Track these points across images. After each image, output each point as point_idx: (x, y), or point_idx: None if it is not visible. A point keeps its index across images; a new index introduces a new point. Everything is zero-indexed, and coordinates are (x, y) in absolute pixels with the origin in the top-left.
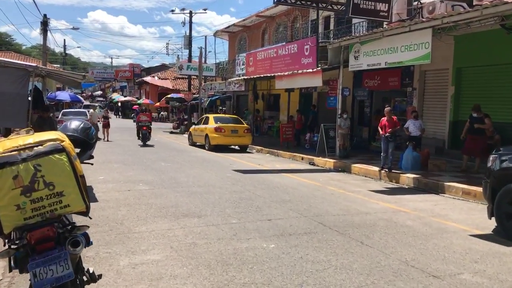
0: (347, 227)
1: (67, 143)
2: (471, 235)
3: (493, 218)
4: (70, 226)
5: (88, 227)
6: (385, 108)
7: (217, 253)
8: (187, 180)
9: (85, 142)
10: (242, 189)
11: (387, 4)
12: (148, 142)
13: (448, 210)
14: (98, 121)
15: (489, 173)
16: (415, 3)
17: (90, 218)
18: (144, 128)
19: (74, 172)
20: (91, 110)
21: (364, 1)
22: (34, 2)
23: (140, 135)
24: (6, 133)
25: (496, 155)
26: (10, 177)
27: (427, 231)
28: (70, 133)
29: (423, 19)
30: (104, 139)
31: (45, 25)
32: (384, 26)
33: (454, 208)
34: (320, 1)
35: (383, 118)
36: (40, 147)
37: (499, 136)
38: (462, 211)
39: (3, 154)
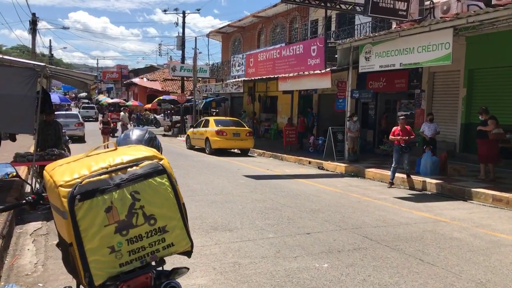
0: (395, 240)
1: (166, 161)
2: None
3: None
4: (168, 270)
5: (188, 269)
6: (399, 117)
7: (268, 275)
8: (201, 188)
9: None
10: (263, 197)
11: (406, 3)
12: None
13: (488, 219)
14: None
15: None
16: (427, 2)
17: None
18: (114, 124)
19: (177, 200)
20: (122, 113)
21: (383, 0)
22: (17, 2)
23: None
24: (11, 138)
25: None
26: (102, 210)
27: (482, 245)
28: (134, 145)
29: (446, 18)
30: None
31: (34, 25)
32: (394, 26)
33: (492, 217)
34: (328, 0)
35: (395, 128)
36: (135, 167)
37: None
38: (503, 220)
39: (91, 179)
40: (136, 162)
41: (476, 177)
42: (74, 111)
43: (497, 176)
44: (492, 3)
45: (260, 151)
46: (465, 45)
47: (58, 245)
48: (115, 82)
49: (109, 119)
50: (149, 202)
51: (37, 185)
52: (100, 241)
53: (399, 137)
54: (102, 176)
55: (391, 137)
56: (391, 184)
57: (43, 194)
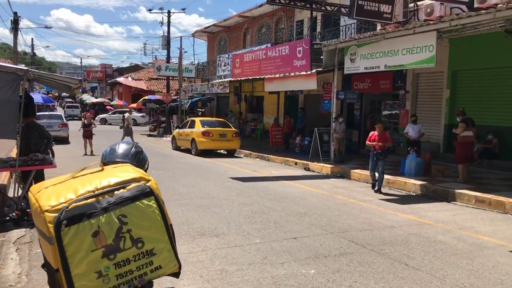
0: (380, 245)
1: (153, 182)
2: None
3: None
4: None
5: None
6: (377, 123)
7: (255, 283)
8: (187, 191)
9: None
10: (250, 200)
11: (390, 6)
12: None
13: (471, 221)
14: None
15: None
16: (411, 5)
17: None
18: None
19: (165, 221)
20: (127, 114)
21: (368, 2)
22: None
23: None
24: None
25: None
26: (89, 235)
27: (466, 248)
28: (120, 160)
29: (430, 21)
30: (86, 153)
31: (16, 24)
32: (379, 28)
33: (475, 219)
34: (313, 2)
35: (372, 132)
36: (122, 190)
37: (497, 140)
38: (485, 222)
39: (78, 203)
40: (123, 184)
41: (455, 179)
42: (59, 111)
43: (479, 176)
44: (474, 6)
45: (246, 151)
46: (448, 46)
47: (43, 266)
48: (100, 81)
49: (92, 121)
50: (136, 225)
51: (20, 192)
52: (87, 266)
53: (374, 143)
54: (89, 200)
55: (367, 142)
56: (374, 187)
57: (27, 210)
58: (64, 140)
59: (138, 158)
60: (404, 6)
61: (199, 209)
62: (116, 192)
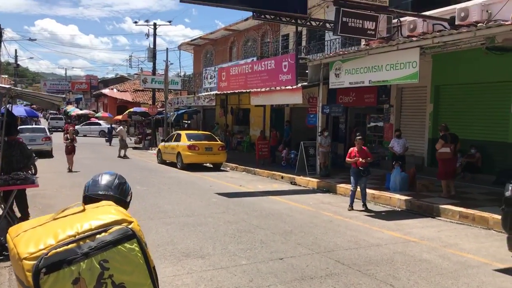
0: (366, 264)
1: (136, 224)
2: (495, 270)
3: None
4: None
5: None
6: (356, 137)
7: None
8: (172, 208)
9: (120, 201)
10: (236, 218)
11: (374, 23)
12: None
13: (455, 238)
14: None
15: (510, 203)
16: (395, 21)
17: None
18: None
19: (148, 264)
20: (120, 127)
21: (352, 20)
22: None
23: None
24: None
25: None
26: (69, 282)
27: (450, 267)
28: (103, 192)
29: (413, 38)
30: (71, 169)
31: None
32: (362, 44)
33: (459, 235)
34: (299, 17)
35: (352, 149)
36: (104, 234)
37: (480, 154)
38: (469, 239)
39: (58, 249)
40: (105, 227)
41: (440, 194)
42: (43, 123)
43: (463, 191)
44: (456, 23)
45: (232, 165)
46: (431, 62)
47: None
48: (84, 93)
49: (74, 136)
50: (118, 270)
51: (0, 211)
52: None
53: (355, 158)
54: (70, 246)
55: (347, 159)
56: (351, 208)
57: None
58: (48, 154)
59: (121, 189)
60: (388, 22)
61: (185, 228)
62: (97, 236)
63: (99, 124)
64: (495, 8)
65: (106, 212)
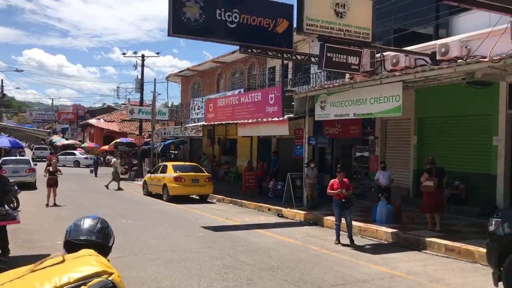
0: None
1: (116, 275)
2: None
3: (499, 284)
4: None
5: None
6: (339, 172)
7: None
8: (157, 243)
9: (102, 247)
10: (222, 253)
11: (358, 58)
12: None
13: (442, 272)
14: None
15: (494, 237)
16: (378, 55)
17: None
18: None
19: None
20: (114, 159)
21: (336, 55)
22: None
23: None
24: None
25: (500, 219)
26: None
27: None
28: (85, 237)
29: (396, 73)
30: (48, 203)
31: None
32: (347, 77)
33: (445, 269)
34: (285, 51)
35: (333, 180)
36: (83, 287)
37: (464, 186)
38: (455, 273)
39: None
40: (84, 280)
41: (426, 226)
42: (27, 153)
43: (448, 223)
44: (437, 58)
45: (219, 196)
46: (414, 95)
47: None
48: (71, 123)
49: (58, 167)
50: None
51: None
52: None
53: (338, 190)
54: None
55: (329, 191)
56: (338, 241)
57: None
58: (31, 186)
59: (103, 234)
60: (371, 57)
61: (169, 264)
62: None
63: (74, 154)
64: (473, 44)
65: (86, 264)
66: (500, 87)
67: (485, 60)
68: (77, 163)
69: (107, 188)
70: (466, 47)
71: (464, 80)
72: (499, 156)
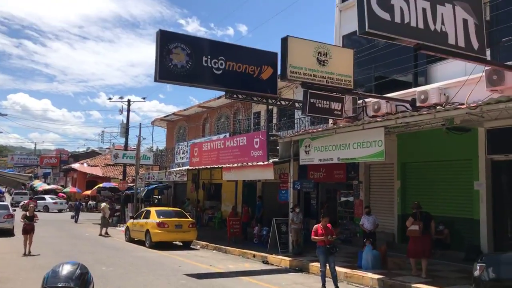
0: None
1: None
2: None
3: None
4: None
5: None
6: (323, 217)
7: None
8: None
9: None
10: None
11: (340, 104)
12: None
13: None
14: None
15: (479, 282)
16: (360, 101)
17: None
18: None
19: None
20: (104, 204)
21: (320, 101)
22: None
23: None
24: None
25: (484, 264)
26: None
27: None
28: (63, 284)
29: (378, 119)
30: (25, 252)
31: None
32: (330, 122)
33: None
34: (269, 97)
35: (317, 226)
36: None
37: (448, 231)
38: None
39: None
40: None
41: (411, 272)
42: (7, 199)
43: (433, 268)
44: (417, 104)
45: (203, 243)
46: (396, 140)
47: None
48: (53, 167)
49: (35, 213)
50: None
51: None
52: None
53: (323, 237)
54: None
55: (313, 237)
56: (324, 286)
57: None
58: (9, 233)
59: (82, 280)
60: (353, 103)
61: None
62: None
63: (44, 199)
64: (451, 91)
65: None
66: (478, 132)
67: (462, 106)
68: (46, 208)
69: (102, 235)
70: (444, 94)
71: (443, 125)
72: (481, 200)
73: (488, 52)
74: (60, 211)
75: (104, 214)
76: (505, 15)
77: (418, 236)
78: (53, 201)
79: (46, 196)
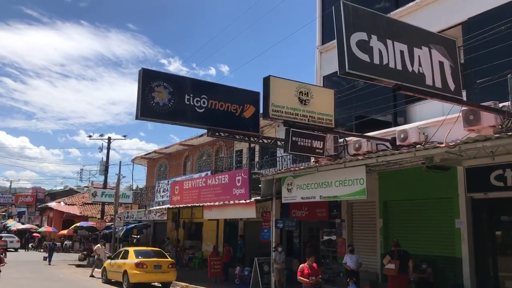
0: None
1: None
2: None
3: None
4: None
5: None
6: (309, 257)
7: None
8: None
9: None
10: None
11: (322, 142)
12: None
13: None
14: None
15: None
16: (341, 140)
17: None
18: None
19: None
20: (98, 245)
21: (301, 139)
22: None
23: None
24: None
25: None
26: None
27: None
28: None
29: (359, 157)
30: None
31: None
32: (312, 161)
33: None
34: (251, 135)
35: (303, 265)
36: None
37: (431, 269)
38: None
39: None
40: None
41: None
42: None
43: None
44: (397, 143)
45: (183, 283)
46: (378, 179)
47: None
48: (29, 206)
49: (2, 256)
50: None
51: None
52: None
53: (311, 278)
54: None
55: (299, 278)
56: None
57: None
58: None
59: None
60: (335, 141)
61: None
62: None
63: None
64: (430, 131)
65: None
66: (458, 171)
67: (442, 145)
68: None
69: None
70: (423, 133)
71: (424, 164)
72: (463, 239)
73: (464, 93)
74: (16, 249)
75: (99, 256)
76: (478, 58)
77: (395, 275)
78: (10, 239)
79: (3, 235)
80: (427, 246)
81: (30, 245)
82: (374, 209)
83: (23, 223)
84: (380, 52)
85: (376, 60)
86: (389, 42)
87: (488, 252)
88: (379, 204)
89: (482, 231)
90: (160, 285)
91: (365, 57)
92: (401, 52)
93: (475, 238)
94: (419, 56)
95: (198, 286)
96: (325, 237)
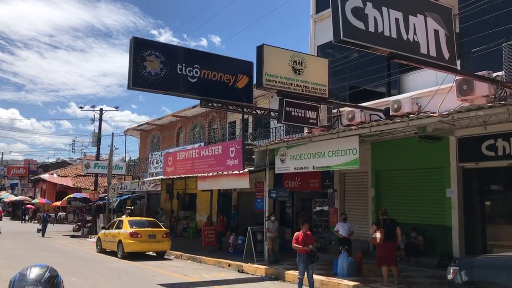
0: None
1: None
2: None
3: None
4: None
5: None
6: (303, 224)
7: None
8: None
9: None
10: None
11: (315, 112)
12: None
13: None
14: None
15: (453, 285)
16: (335, 111)
17: None
18: None
19: None
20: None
21: (295, 109)
22: None
23: None
24: None
25: (457, 268)
26: None
27: None
28: (31, 286)
29: (352, 127)
30: None
31: None
32: (305, 131)
33: None
34: (245, 106)
35: (298, 233)
36: None
37: (422, 237)
38: None
39: None
40: None
41: (382, 283)
42: None
43: (408, 275)
44: (390, 114)
45: (177, 253)
46: (370, 149)
47: None
48: (21, 178)
49: None
50: None
51: None
52: None
53: (306, 246)
54: None
55: (294, 245)
56: None
57: None
58: None
59: (52, 284)
60: (328, 112)
61: None
62: None
63: None
64: (423, 101)
65: None
66: (450, 141)
67: (435, 115)
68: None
69: None
70: (417, 103)
71: (416, 134)
72: (453, 208)
73: (458, 63)
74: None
75: None
76: (474, 27)
77: (381, 244)
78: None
79: None
80: (418, 215)
81: (26, 217)
82: (366, 179)
83: (16, 195)
84: (375, 19)
85: (371, 28)
86: (384, 9)
87: (477, 221)
88: (371, 174)
89: (472, 200)
90: (154, 254)
91: (360, 24)
92: (396, 19)
93: (465, 207)
94: (414, 24)
95: (192, 255)
96: (318, 207)
